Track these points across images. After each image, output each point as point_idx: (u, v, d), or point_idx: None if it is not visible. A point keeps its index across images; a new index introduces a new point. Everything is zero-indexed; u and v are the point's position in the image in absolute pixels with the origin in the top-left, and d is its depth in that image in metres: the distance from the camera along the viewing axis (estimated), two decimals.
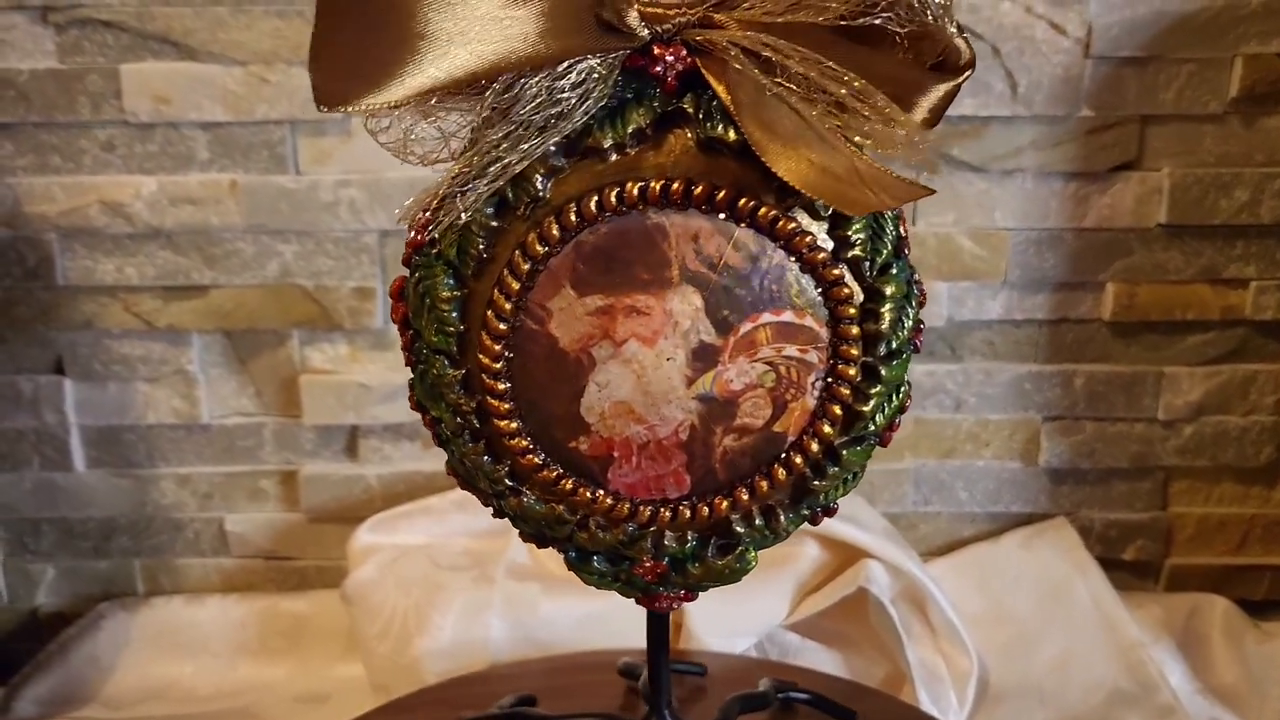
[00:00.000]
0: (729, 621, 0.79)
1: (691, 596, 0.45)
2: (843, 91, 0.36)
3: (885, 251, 0.40)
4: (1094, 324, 0.90)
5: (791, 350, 0.39)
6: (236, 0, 0.82)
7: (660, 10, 0.37)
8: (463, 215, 0.37)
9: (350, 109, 0.35)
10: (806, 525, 0.43)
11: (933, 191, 0.37)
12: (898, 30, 0.36)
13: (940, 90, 0.37)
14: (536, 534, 0.43)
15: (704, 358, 0.39)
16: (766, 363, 0.39)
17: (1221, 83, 0.83)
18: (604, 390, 0.39)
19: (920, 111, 0.37)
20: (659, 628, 0.53)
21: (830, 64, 0.36)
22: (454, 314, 0.40)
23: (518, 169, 0.37)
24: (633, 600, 0.45)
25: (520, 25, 0.36)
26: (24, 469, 0.92)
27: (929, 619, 0.82)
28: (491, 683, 0.71)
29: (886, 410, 0.42)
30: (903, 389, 0.42)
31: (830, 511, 0.44)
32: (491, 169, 0.37)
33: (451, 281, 0.39)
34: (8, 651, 0.90)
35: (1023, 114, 0.84)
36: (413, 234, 0.40)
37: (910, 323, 0.41)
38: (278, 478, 0.94)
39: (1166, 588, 0.95)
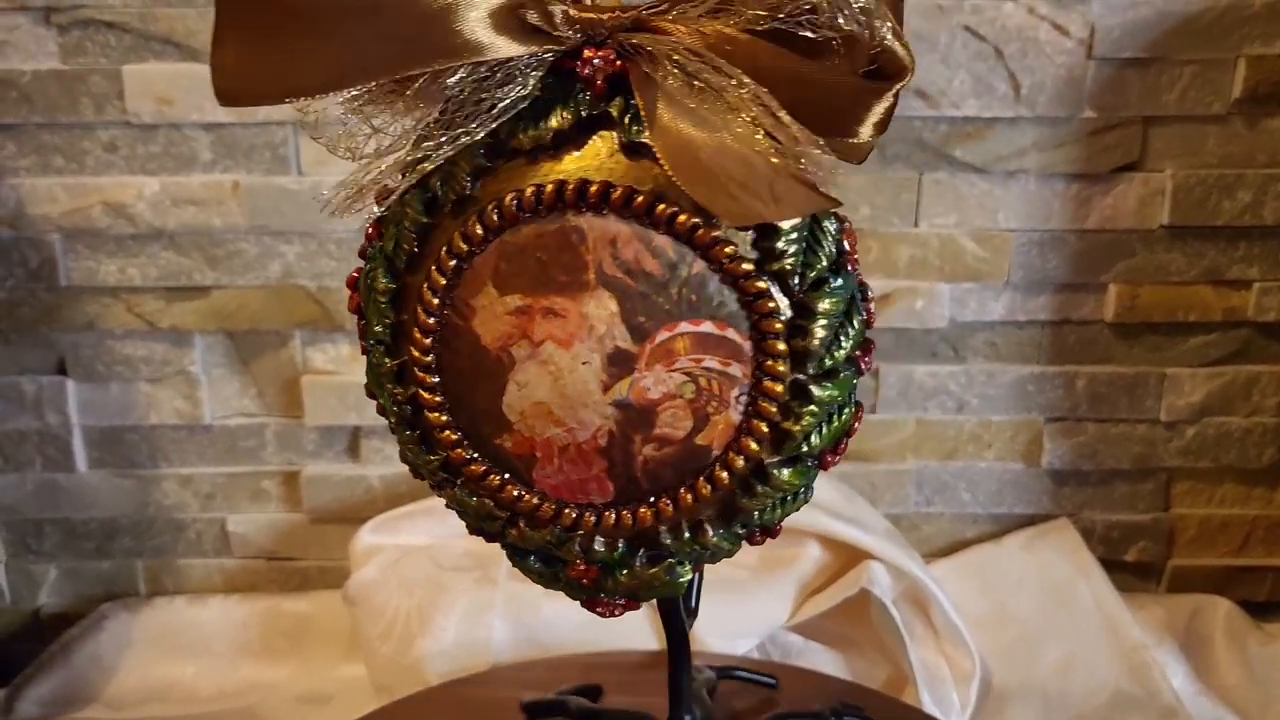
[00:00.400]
0: (731, 623, 0.79)
1: (635, 605, 0.43)
2: (741, 94, 0.34)
3: (820, 266, 0.38)
4: (1096, 325, 0.90)
5: (712, 362, 0.38)
6: None
7: (593, 15, 0.36)
8: (375, 210, 0.38)
9: (256, 105, 0.36)
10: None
11: (839, 203, 0.35)
12: (811, 35, 0.35)
13: (882, 103, 0.36)
14: (476, 528, 0.43)
15: (620, 364, 0.38)
16: (685, 373, 0.38)
17: (1224, 84, 0.83)
18: (523, 390, 0.39)
19: (868, 121, 0.36)
20: (677, 630, 0.52)
21: (723, 64, 0.34)
22: (390, 306, 0.40)
23: (430, 166, 0.37)
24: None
25: (444, 26, 0.35)
26: (27, 470, 0.92)
27: (931, 620, 0.82)
28: (494, 684, 0.70)
29: (825, 432, 0.40)
30: (847, 410, 0.40)
31: (772, 532, 0.42)
32: (409, 165, 0.37)
33: (389, 275, 0.40)
34: (10, 652, 0.90)
35: (1025, 115, 0.84)
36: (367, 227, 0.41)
37: (850, 342, 0.39)
38: (280, 478, 0.94)
39: (1169, 589, 0.95)
